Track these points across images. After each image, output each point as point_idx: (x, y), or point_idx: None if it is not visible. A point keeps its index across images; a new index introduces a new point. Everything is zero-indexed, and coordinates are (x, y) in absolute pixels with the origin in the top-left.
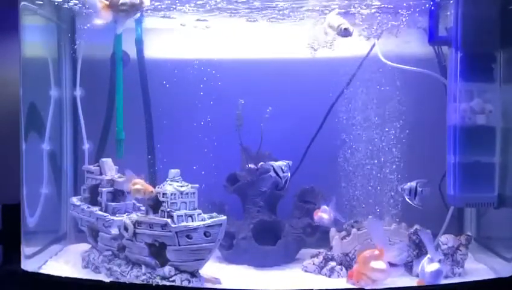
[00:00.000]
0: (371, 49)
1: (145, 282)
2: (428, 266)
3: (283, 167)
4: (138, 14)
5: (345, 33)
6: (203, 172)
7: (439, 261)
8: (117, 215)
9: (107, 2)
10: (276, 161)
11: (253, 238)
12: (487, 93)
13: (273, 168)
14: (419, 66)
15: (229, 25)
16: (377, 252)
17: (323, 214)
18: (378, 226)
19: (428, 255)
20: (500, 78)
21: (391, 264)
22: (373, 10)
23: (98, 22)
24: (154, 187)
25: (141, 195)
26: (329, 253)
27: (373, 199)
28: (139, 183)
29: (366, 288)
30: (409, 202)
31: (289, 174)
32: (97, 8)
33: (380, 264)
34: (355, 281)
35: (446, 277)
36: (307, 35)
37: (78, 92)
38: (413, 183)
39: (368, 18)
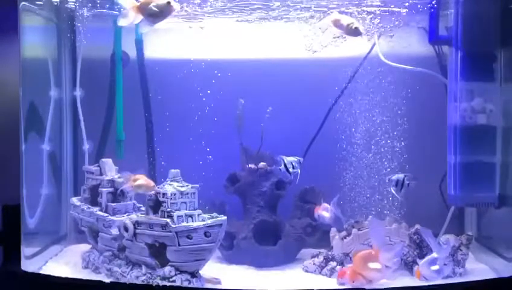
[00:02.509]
0: (371, 49)
1: (145, 282)
2: (432, 265)
3: (293, 163)
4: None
5: (355, 32)
6: (203, 172)
7: (445, 263)
8: (117, 215)
9: (138, 4)
10: (275, 161)
11: (254, 239)
12: (488, 93)
13: (284, 163)
14: (420, 66)
15: (229, 25)
16: (373, 252)
17: (324, 212)
18: (379, 227)
19: (434, 254)
20: (500, 78)
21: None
22: (373, 10)
23: (124, 22)
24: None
25: (143, 190)
26: (329, 253)
27: (373, 199)
28: (141, 179)
29: (365, 288)
30: (394, 193)
31: (299, 171)
32: (127, 8)
33: (376, 265)
34: (351, 280)
35: (447, 276)
36: (307, 35)
37: (78, 93)
38: (400, 176)
39: (367, 17)
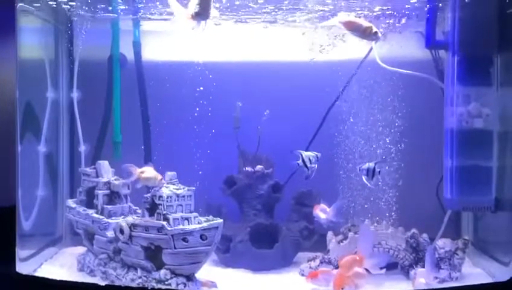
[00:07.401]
0: (369, 52)
1: (140, 285)
2: (420, 277)
3: (311, 158)
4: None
5: (374, 37)
6: (200, 172)
7: (435, 277)
8: (113, 218)
9: (191, 12)
10: (273, 164)
11: (250, 242)
12: (484, 97)
13: (302, 157)
14: (417, 70)
15: (227, 28)
16: (358, 257)
17: (321, 213)
18: (369, 234)
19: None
20: (497, 82)
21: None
22: (373, 14)
23: (184, 28)
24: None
25: (151, 183)
26: (326, 256)
27: (370, 203)
28: (149, 171)
29: None
30: (365, 182)
31: (316, 166)
32: (181, 15)
33: (362, 270)
34: (338, 286)
35: (443, 281)
36: (306, 39)
37: (75, 94)
38: (371, 164)
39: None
